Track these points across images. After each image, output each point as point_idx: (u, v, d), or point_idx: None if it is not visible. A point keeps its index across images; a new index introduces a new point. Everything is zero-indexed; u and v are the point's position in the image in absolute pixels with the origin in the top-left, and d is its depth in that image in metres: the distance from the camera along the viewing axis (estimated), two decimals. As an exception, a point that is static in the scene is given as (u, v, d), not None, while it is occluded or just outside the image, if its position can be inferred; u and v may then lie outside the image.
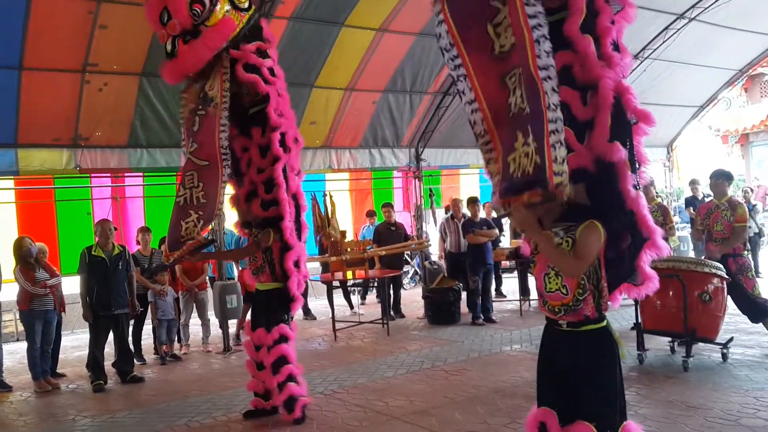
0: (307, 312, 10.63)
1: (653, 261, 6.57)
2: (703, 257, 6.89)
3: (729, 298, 6.38)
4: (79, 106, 8.94)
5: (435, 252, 12.56)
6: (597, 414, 2.91)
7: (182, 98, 5.68)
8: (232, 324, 8.87)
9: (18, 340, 9.70)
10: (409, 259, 13.11)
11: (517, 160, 2.87)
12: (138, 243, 8.67)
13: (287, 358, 5.35)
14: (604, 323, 3.01)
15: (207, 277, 8.86)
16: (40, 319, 7.13)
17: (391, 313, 10.03)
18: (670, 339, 6.59)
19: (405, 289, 11.98)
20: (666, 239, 8.37)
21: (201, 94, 5.36)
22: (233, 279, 9.17)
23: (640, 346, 6.40)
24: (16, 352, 8.22)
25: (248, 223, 5.69)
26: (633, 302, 6.39)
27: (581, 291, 2.94)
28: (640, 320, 6.48)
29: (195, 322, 8.88)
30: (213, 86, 5.24)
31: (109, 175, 10.19)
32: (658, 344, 6.72)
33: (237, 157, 5.59)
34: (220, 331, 8.60)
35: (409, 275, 13.53)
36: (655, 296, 6.35)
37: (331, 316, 9.21)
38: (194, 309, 8.73)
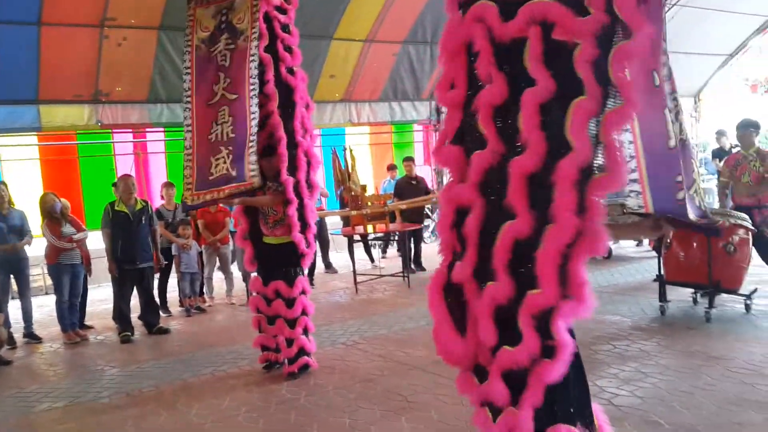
0: (328, 265, 10.73)
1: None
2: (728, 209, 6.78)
3: (753, 249, 6.32)
4: (99, 61, 8.93)
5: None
6: None
7: (188, 18, 5.41)
8: (255, 277, 8.96)
9: (46, 293, 9.95)
10: (429, 213, 13.09)
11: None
12: (162, 198, 8.76)
13: (306, 310, 5.43)
14: None
15: (229, 231, 8.94)
16: (67, 273, 7.27)
17: (412, 266, 10.07)
18: (692, 290, 6.55)
19: (426, 242, 11.99)
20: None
21: (220, 24, 5.23)
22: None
23: (662, 297, 6.38)
24: (45, 305, 8.42)
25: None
26: (655, 253, 6.35)
27: None
28: (662, 272, 6.44)
29: (219, 276, 9.01)
30: (242, 19, 5.14)
31: (131, 130, 10.24)
32: (680, 296, 6.68)
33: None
34: (243, 284, 8.72)
35: (430, 229, 13.52)
36: (679, 247, 6.33)
37: (352, 269, 9.27)
38: (217, 262, 8.86)
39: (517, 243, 2.48)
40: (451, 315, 2.70)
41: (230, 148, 5.10)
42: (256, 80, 5.10)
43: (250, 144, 5.03)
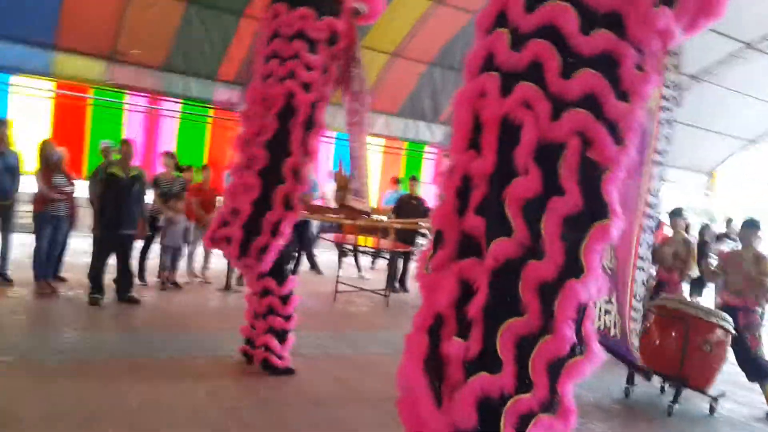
0: (313, 265, 10.68)
1: (664, 297, 6.42)
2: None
3: (731, 350, 6.23)
4: (122, 20, 8.86)
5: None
6: None
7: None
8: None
9: (32, 232, 9.84)
10: (427, 233, 12.97)
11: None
12: (165, 166, 8.62)
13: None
14: None
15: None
16: (50, 223, 7.25)
17: (396, 285, 10.02)
18: (661, 379, 6.46)
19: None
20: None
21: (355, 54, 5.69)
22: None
23: (630, 379, 6.29)
24: (29, 245, 8.27)
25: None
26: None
27: None
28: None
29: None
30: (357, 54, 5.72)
31: (144, 95, 10.17)
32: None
33: None
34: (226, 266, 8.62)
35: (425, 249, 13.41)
36: (657, 333, 6.24)
37: (336, 274, 9.19)
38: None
39: (521, 338, 2.50)
40: (431, 388, 2.64)
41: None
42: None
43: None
